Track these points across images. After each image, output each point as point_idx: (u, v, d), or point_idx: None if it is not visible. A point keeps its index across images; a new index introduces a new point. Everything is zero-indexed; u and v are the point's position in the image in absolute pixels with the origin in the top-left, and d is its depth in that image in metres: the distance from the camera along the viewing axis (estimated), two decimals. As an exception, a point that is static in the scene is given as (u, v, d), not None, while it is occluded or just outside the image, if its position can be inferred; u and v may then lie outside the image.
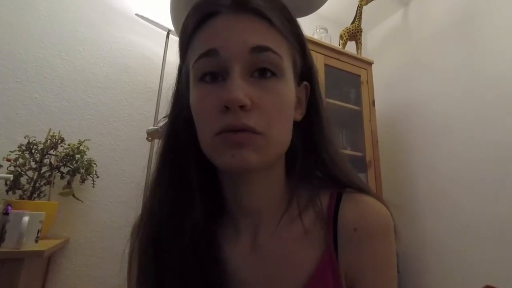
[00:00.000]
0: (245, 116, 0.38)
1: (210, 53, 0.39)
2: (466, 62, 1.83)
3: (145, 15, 1.73)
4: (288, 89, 0.42)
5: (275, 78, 0.40)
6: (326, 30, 2.09)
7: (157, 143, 1.60)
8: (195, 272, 0.41)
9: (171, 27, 1.69)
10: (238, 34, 0.40)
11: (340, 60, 1.93)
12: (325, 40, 1.97)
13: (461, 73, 1.84)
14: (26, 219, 0.95)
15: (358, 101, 1.99)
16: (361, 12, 2.10)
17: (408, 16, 2.32)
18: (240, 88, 0.37)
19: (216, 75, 0.40)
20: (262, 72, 0.40)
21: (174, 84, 0.50)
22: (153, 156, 1.59)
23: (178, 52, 0.49)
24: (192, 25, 0.43)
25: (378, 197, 0.45)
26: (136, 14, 1.74)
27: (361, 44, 2.11)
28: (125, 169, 1.62)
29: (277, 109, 0.40)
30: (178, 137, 0.46)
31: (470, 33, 1.84)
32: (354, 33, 2.09)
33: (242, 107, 0.37)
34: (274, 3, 0.44)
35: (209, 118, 0.39)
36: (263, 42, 0.40)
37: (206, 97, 0.40)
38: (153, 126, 1.57)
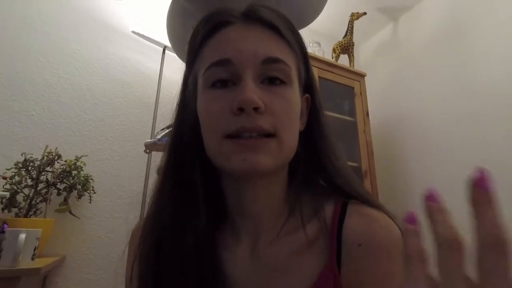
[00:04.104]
0: (259, 119, 0.38)
1: (222, 62, 0.40)
2: (455, 72, 1.88)
3: (141, 32, 1.76)
4: (295, 96, 0.43)
5: (284, 85, 0.41)
6: (319, 44, 2.13)
7: (155, 158, 1.60)
8: (194, 282, 0.40)
9: (167, 43, 1.72)
10: (250, 45, 0.41)
11: (333, 73, 1.96)
12: (318, 54, 2.02)
13: (452, 83, 1.88)
14: (23, 236, 0.94)
15: (352, 112, 2.02)
16: (353, 27, 2.16)
17: (398, 30, 2.39)
18: (254, 91, 0.38)
19: (227, 82, 0.41)
20: (272, 79, 0.41)
21: (178, 94, 0.50)
22: (150, 171, 1.60)
23: (185, 62, 0.49)
24: (202, 34, 0.44)
25: (386, 210, 0.43)
26: (133, 32, 1.77)
27: (354, 57, 2.16)
28: (122, 184, 1.61)
29: (287, 114, 0.41)
30: (183, 144, 0.46)
31: (458, 45, 1.89)
32: (346, 47, 2.14)
33: (256, 109, 0.37)
34: (280, 15, 0.45)
35: (218, 120, 0.39)
36: (274, 54, 0.41)
37: (216, 100, 0.40)
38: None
